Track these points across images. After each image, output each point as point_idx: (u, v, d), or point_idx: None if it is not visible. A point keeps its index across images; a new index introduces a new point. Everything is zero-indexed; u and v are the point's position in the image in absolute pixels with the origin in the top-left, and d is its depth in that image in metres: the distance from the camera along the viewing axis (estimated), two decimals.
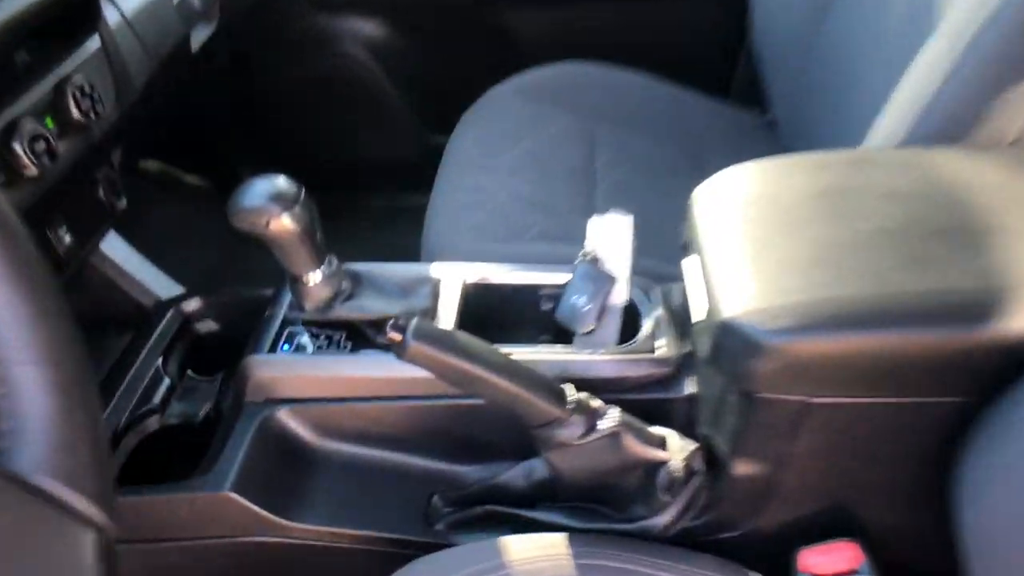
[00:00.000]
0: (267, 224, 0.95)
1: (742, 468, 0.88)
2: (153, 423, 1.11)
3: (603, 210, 1.37)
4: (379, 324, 1.05)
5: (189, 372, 1.17)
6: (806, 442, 0.85)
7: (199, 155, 2.13)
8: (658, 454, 0.88)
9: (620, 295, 1.07)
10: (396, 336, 0.79)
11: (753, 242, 0.86)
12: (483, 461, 1.07)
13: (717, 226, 0.90)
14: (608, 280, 1.07)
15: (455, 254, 1.31)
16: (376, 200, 2.13)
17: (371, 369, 1.01)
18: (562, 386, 0.87)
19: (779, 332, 0.77)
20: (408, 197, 1.98)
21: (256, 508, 0.97)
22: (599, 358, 1.00)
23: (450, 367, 0.80)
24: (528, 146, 1.56)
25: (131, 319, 1.25)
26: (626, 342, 1.04)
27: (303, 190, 0.99)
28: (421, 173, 1.64)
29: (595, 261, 1.08)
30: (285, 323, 1.08)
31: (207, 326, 1.26)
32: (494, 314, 1.16)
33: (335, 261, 1.05)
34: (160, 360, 1.17)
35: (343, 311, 1.04)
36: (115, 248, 1.29)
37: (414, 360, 0.80)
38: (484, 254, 1.29)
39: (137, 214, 1.87)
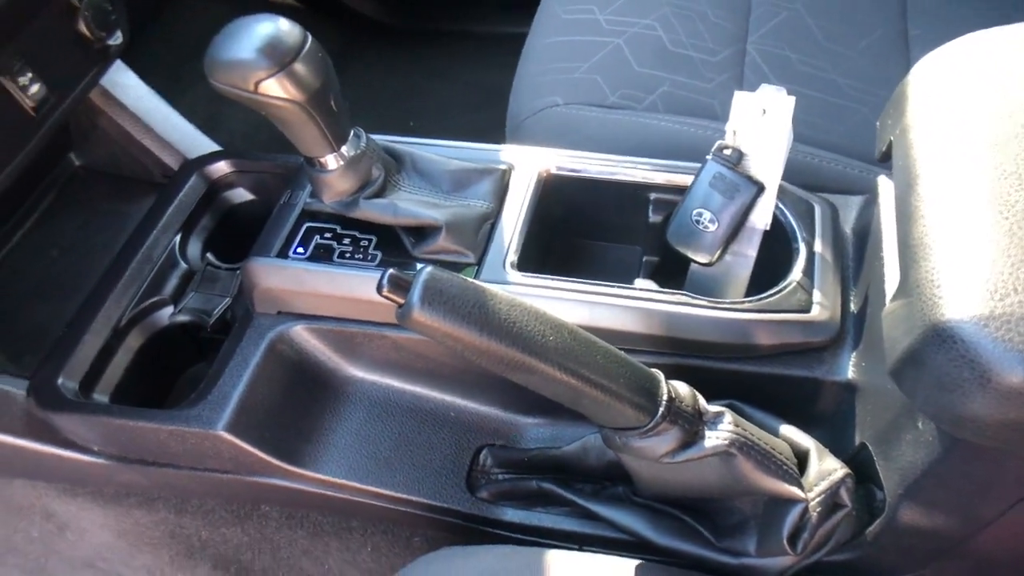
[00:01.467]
0: (255, 87, 0.67)
1: (913, 516, 0.58)
2: (162, 318, 0.92)
3: (756, 77, 0.98)
4: (417, 231, 0.77)
5: (210, 257, 0.96)
6: None
7: None
8: (786, 490, 0.58)
9: (764, 213, 0.73)
10: (394, 296, 0.51)
11: (1018, 176, 0.49)
12: (548, 414, 0.81)
13: (949, 135, 0.53)
14: (748, 189, 0.72)
15: (542, 122, 0.98)
16: (476, 26, 1.76)
17: None
18: (653, 374, 0.57)
19: None
20: (516, 22, 1.64)
21: (255, 450, 0.78)
22: (721, 313, 0.68)
23: (473, 346, 0.52)
24: None
25: (153, 183, 1.04)
26: (767, 288, 0.71)
27: (309, 38, 0.69)
28: None
29: (733, 158, 0.73)
30: (305, 216, 0.83)
31: (239, 196, 1.02)
32: (578, 223, 0.85)
33: (363, 139, 0.76)
34: (178, 238, 0.96)
35: (369, 209, 0.77)
36: (135, 94, 1.05)
37: (421, 332, 0.52)
38: (582, 125, 0.96)
39: (188, 43, 1.60)
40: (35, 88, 0.81)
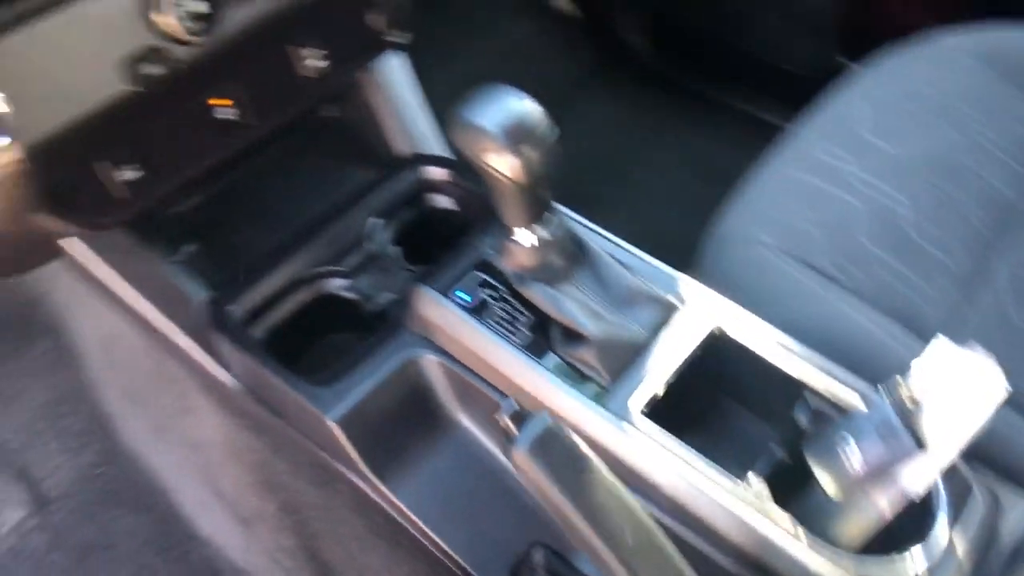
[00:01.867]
0: (483, 153, 0.71)
1: None
2: (333, 286, 1.00)
3: (992, 304, 0.90)
4: (569, 331, 0.79)
5: (396, 249, 1.02)
6: None
7: None
8: None
9: (918, 480, 0.67)
10: (509, 426, 0.54)
11: None
12: None
13: None
14: (908, 446, 0.67)
15: (739, 255, 0.95)
16: (736, 100, 1.71)
17: (525, 377, 0.77)
18: None
19: None
20: (777, 113, 1.57)
21: (351, 448, 0.84)
22: (822, 561, 0.64)
23: (555, 506, 0.53)
24: (938, 138, 1.05)
25: (380, 160, 1.12)
26: (885, 547, 0.66)
27: (549, 128, 0.71)
28: (811, 94, 1.20)
29: (906, 406, 0.67)
30: (481, 265, 0.86)
31: (444, 202, 1.08)
32: (723, 382, 0.82)
33: (556, 226, 0.78)
34: (377, 223, 1.03)
35: (536, 293, 0.79)
36: (397, 79, 1.12)
37: (518, 471, 0.54)
38: (778, 278, 0.93)
39: (468, 36, 1.63)
40: (317, 61, 0.89)
